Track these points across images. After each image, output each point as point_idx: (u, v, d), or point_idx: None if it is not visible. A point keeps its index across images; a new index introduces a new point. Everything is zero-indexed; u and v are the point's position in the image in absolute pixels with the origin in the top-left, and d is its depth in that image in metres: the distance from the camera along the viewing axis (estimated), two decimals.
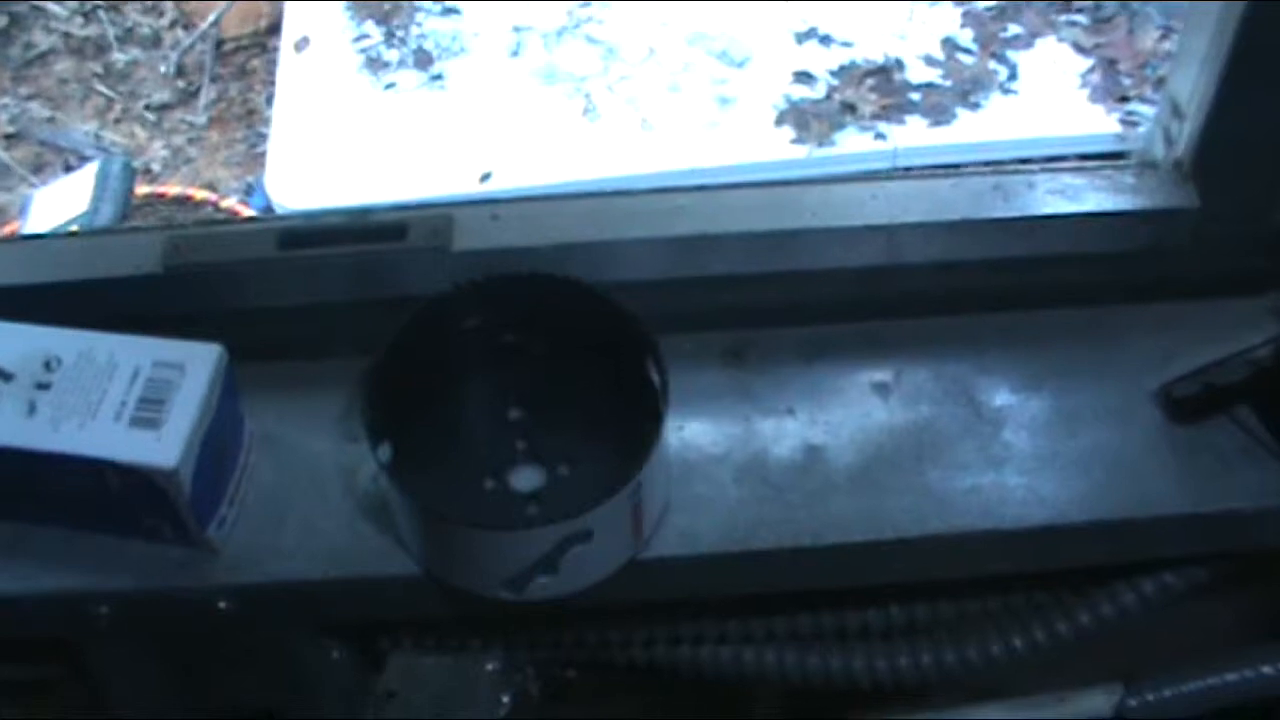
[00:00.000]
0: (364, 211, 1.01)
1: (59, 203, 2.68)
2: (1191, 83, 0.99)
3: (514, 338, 1.00)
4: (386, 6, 2.67)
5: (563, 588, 0.92)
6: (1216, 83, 0.96)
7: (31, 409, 0.92)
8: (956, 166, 2.52)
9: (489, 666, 1.08)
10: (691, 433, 1.01)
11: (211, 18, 3.16)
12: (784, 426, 1.02)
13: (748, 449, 1.00)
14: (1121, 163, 1.06)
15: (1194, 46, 0.98)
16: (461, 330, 0.98)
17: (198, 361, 0.93)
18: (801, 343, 1.05)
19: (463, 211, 1.01)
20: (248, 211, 2.81)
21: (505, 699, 1.08)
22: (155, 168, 2.98)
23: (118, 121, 3.09)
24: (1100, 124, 2.46)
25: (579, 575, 0.92)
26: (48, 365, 0.93)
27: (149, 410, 0.91)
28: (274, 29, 3.06)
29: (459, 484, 0.97)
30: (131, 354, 0.93)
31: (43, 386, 0.93)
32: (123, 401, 0.91)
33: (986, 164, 2.57)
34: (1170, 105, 1.03)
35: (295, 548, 0.97)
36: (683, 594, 1.00)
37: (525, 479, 0.98)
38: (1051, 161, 2.49)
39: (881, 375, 1.04)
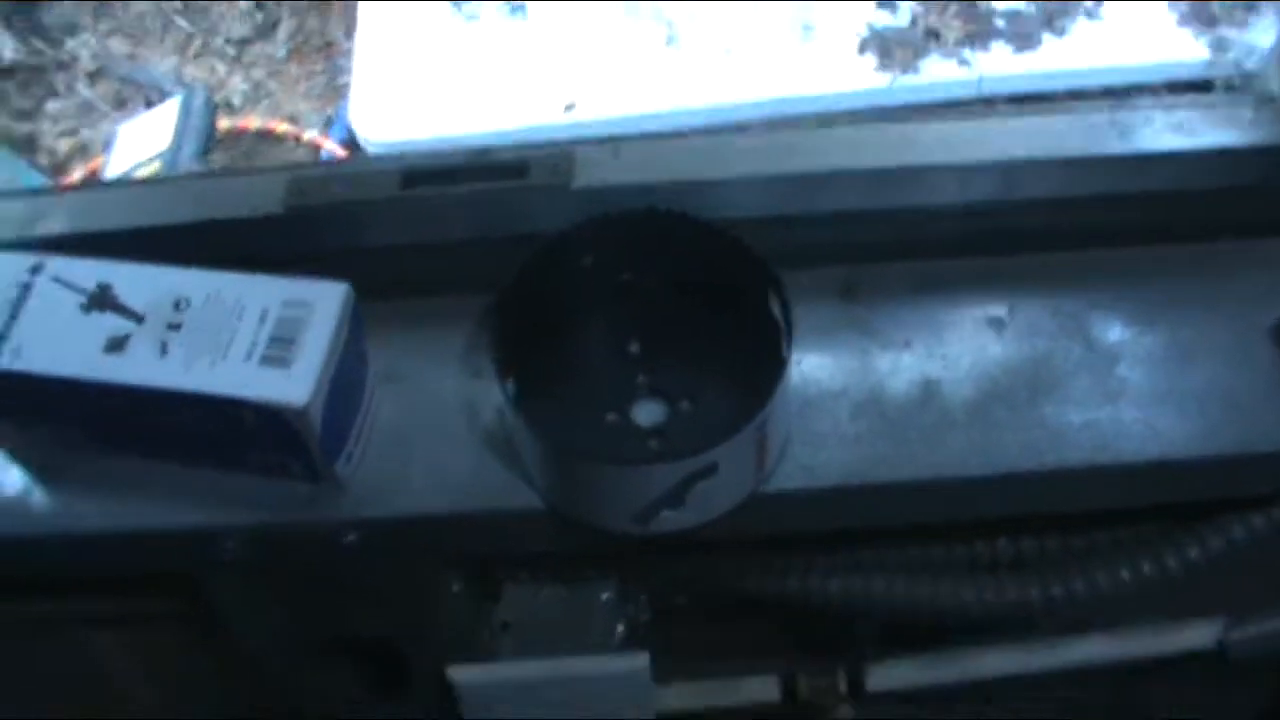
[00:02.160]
0: (485, 150, 1.02)
1: (142, 139, 2.70)
2: None
3: (633, 274, 1.01)
4: None
5: (687, 521, 0.93)
6: None
7: (163, 349, 0.93)
8: (1043, 95, 2.52)
9: (603, 597, 1.10)
10: (809, 367, 1.02)
11: None
12: (900, 360, 1.02)
13: (865, 383, 1.01)
14: (1239, 96, 1.05)
15: None
16: (582, 267, 0.99)
17: (325, 300, 0.94)
18: (915, 277, 1.06)
19: (583, 149, 1.02)
20: (329, 143, 2.83)
21: (619, 628, 1.10)
22: (235, 102, 2.99)
23: (197, 56, 3.10)
24: (1189, 50, 2.41)
25: (704, 509, 0.93)
26: (177, 306, 0.95)
27: (279, 349, 0.92)
28: None
29: (582, 418, 0.98)
30: (259, 294, 0.95)
31: (173, 327, 0.94)
32: (253, 341, 0.93)
33: (1071, 92, 2.57)
34: None
35: (420, 483, 0.99)
36: (803, 527, 1.01)
37: (647, 413, 0.99)
38: (1136, 89, 2.50)
39: (996, 310, 1.04)
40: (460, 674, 1.11)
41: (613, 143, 1.02)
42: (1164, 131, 1.03)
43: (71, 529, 1.01)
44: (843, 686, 1.23)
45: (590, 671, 1.11)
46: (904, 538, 1.08)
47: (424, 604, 1.09)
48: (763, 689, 1.25)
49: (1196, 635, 1.21)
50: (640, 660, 1.10)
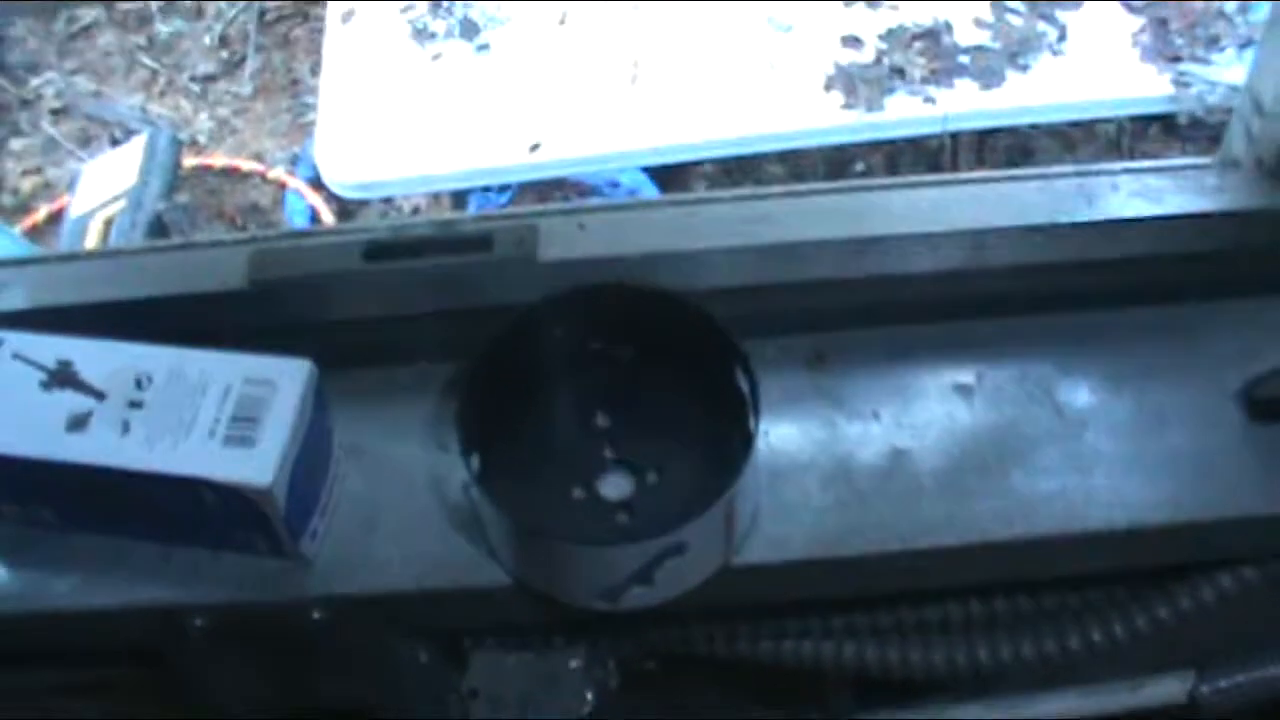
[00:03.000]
0: (449, 223, 1.02)
1: (107, 177, 2.70)
2: (1275, 81, 0.99)
3: (600, 346, 1.00)
4: None
5: (656, 597, 0.93)
6: None
7: (125, 428, 0.93)
8: (1007, 130, 2.54)
9: (572, 664, 1.09)
10: (778, 438, 1.01)
11: None
12: (869, 430, 1.02)
13: (834, 453, 1.01)
14: (1203, 161, 1.05)
15: (1277, 44, 0.98)
16: (549, 340, 0.99)
17: (288, 377, 0.94)
18: (883, 345, 1.06)
19: (548, 221, 1.01)
20: (294, 181, 2.82)
21: (589, 695, 1.09)
22: (201, 139, 3.00)
23: (163, 94, 3.10)
24: (1151, 85, 2.43)
25: (673, 584, 0.93)
26: (139, 383, 0.94)
27: (242, 428, 0.92)
28: None
29: (548, 493, 0.98)
30: (222, 371, 0.94)
31: (135, 405, 0.94)
32: (216, 419, 0.92)
33: (1036, 126, 2.59)
34: (1253, 103, 1.02)
35: (387, 558, 0.98)
36: (773, 599, 1.01)
37: (614, 487, 0.98)
38: (1099, 124, 2.51)
39: (964, 377, 1.04)
40: None
41: (577, 214, 1.02)
42: (1130, 197, 1.03)
43: (38, 607, 1.00)
44: None
45: None
46: (874, 601, 1.07)
47: (392, 673, 1.08)
48: None
49: (1168, 689, 1.21)
50: None
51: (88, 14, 3.21)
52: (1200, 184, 1.03)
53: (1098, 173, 1.04)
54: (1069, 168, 1.06)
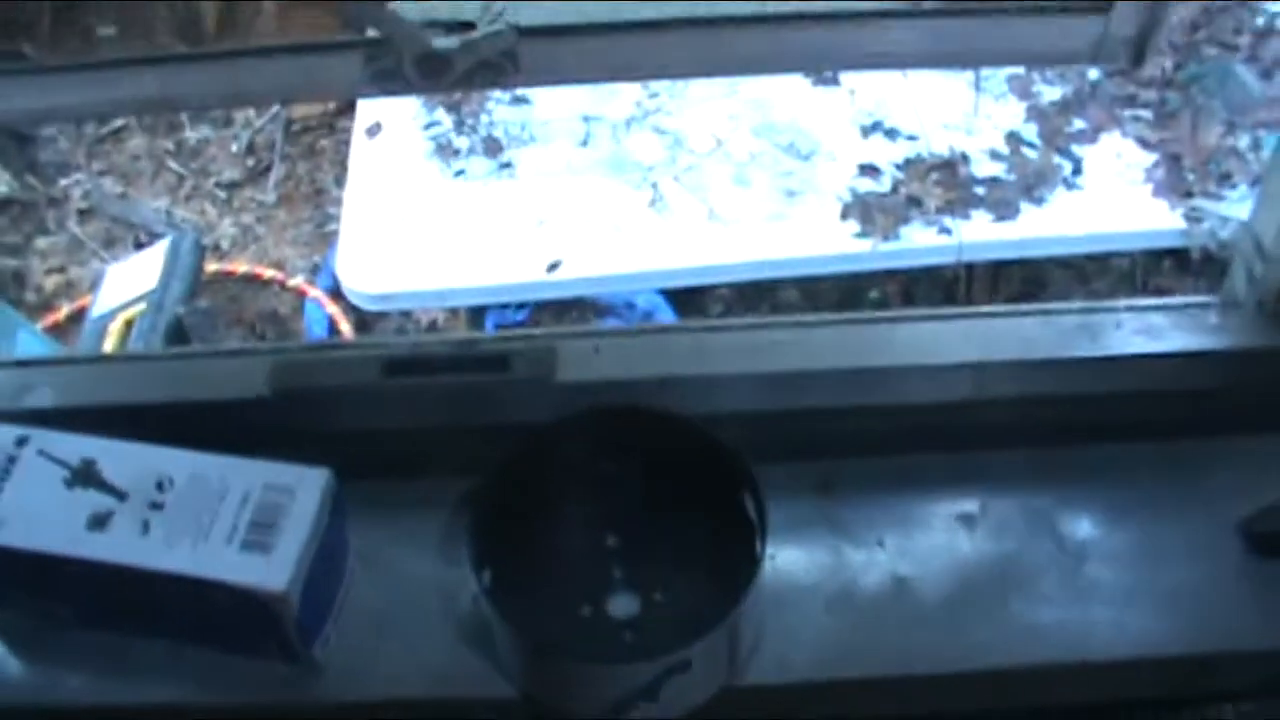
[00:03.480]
0: (469, 342, 1.04)
1: (130, 278, 2.72)
2: (1277, 224, 1.01)
3: (612, 467, 1.02)
4: (458, 95, 2.71)
5: (662, 714, 0.94)
6: None
7: (145, 528, 0.95)
8: (1021, 261, 2.56)
9: None
10: (784, 561, 1.03)
11: None
12: (873, 557, 1.04)
13: (838, 579, 1.03)
14: (1204, 300, 1.08)
15: (1278, 188, 1.01)
16: (562, 460, 1.01)
17: (307, 486, 0.96)
18: (889, 474, 1.08)
19: (565, 343, 1.04)
20: (314, 291, 2.85)
21: None
22: (224, 245, 3.03)
23: (188, 198, 3.14)
24: (1164, 220, 2.46)
25: (677, 703, 0.94)
26: (160, 486, 0.96)
27: (260, 533, 0.93)
28: (343, 111, 3.12)
29: (556, 610, 0.99)
30: (242, 477, 0.96)
31: (156, 506, 0.95)
32: (234, 524, 0.94)
33: (1050, 259, 2.61)
34: (1254, 244, 1.05)
35: (396, 667, 1.00)
36: (776, 718, 1.02)
37: (622, 606, 1.00)
38: (1113, 257, 2.54)
39: (968, 507, 1.06)
40: None
41: (593, 337, 1.04)
42: (1133, 334, 1.05)
43: (49, 701, 1.01)
44: None
45: None
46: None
47: None
48: None
49: None
50: None
51: (118, 118, 3.26)
52: (1202, 322, 1.06)
53: (1101, 309, 1.07)
54: (1073, 304, 1.09)
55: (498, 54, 0.93)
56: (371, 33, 0.92)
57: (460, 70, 0.92)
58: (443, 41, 0.91)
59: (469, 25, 0.94)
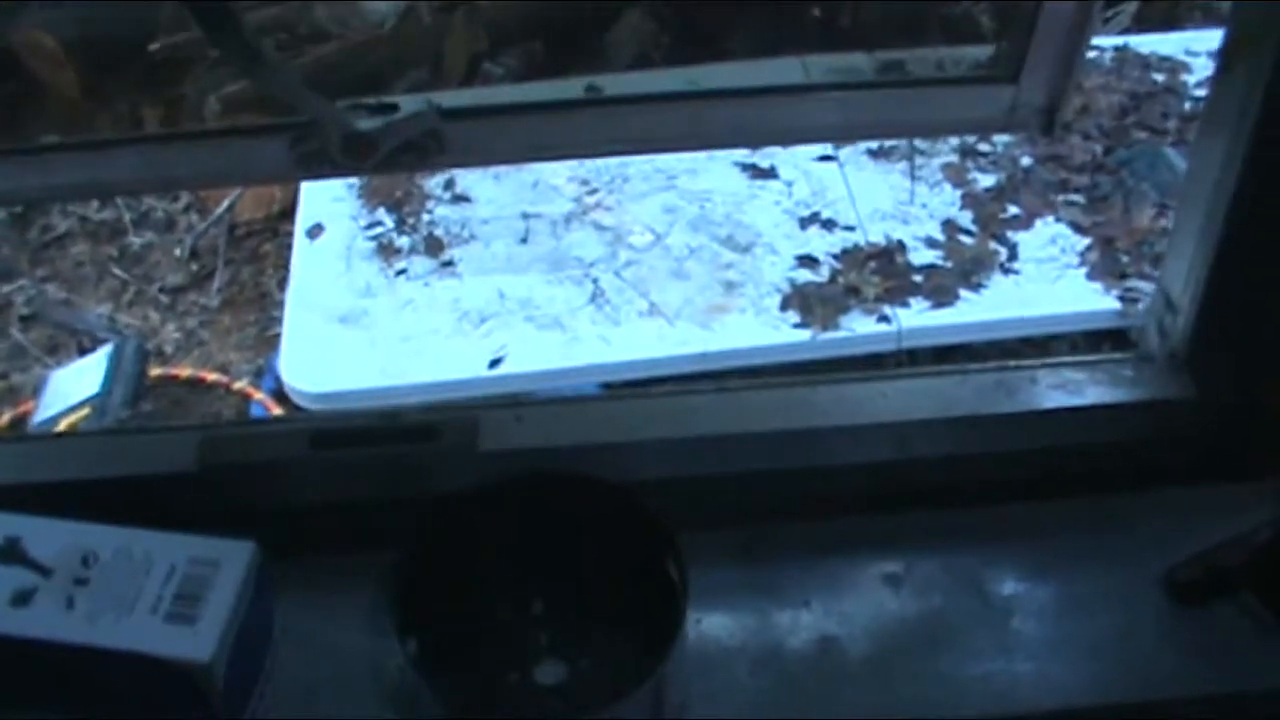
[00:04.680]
0: (393, 414, 1.05)
1: (73, 384, 2.72)
2: (1183, 278, 1.04)
3: (537, 534, 1.02)
4: (399, 194, 2.74)
5: None
6: (1207, 277, 1.01)
7: (70, 603, 0.94)
8: (961, 347, 2.59)
9: None
10: (709, 625, 1.03)
11: (226, 203, 3.23)
12: (799, 618, 1.04)
13: (764, 640, 1.03)
14: (1119, 356, 1.10)
15: (1183, 244, 1.04)
16: (485, 527, 1.01)
17: (232, 559, 0.95)
18: (815, 536, 1.09)
19: (488, 413, 1.05)
20: (258, 395, 2.85)
21: None
22: (168, 349, 3.03)
23: (131, 304, 3.14)
24: (1099, 301, 2.51)
25: None
26: (85, 561, 0.96)
27: (184, 605, 0.93)
28: (285, 214, 3.13)
29: (484, 678, 0.99)
30: (167, 550, 0.96)
31: (81, 582, 0.95)
32: (159, 596, 0.94)
33: (989, 344, 2.64)
34: (1164, 299, 1.07)
35: None
36: None
37: (548, 673, 1.00)
38: (1052, 340, 2.56)
39: (893, 567, 1.07)
40: None
41: (516, 407, 1.05)
42: (1049, 390, 1.07)
43: None
44: None
45: None
46: None
47: None
48: None
49: None
50: None
51: (62, 224, 3.27)
52: (1117, 376, 1.08)
53: (1018, 368, 1.09)
54: (990, 364, 1.10)
55: (422, 134, 0.95)
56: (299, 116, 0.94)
57: (385, 150, 0.94)
58: (367, 123, 0.93)
59: (393, 107, 0.96)
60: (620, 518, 0.99)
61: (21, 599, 0.94)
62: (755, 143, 2.23)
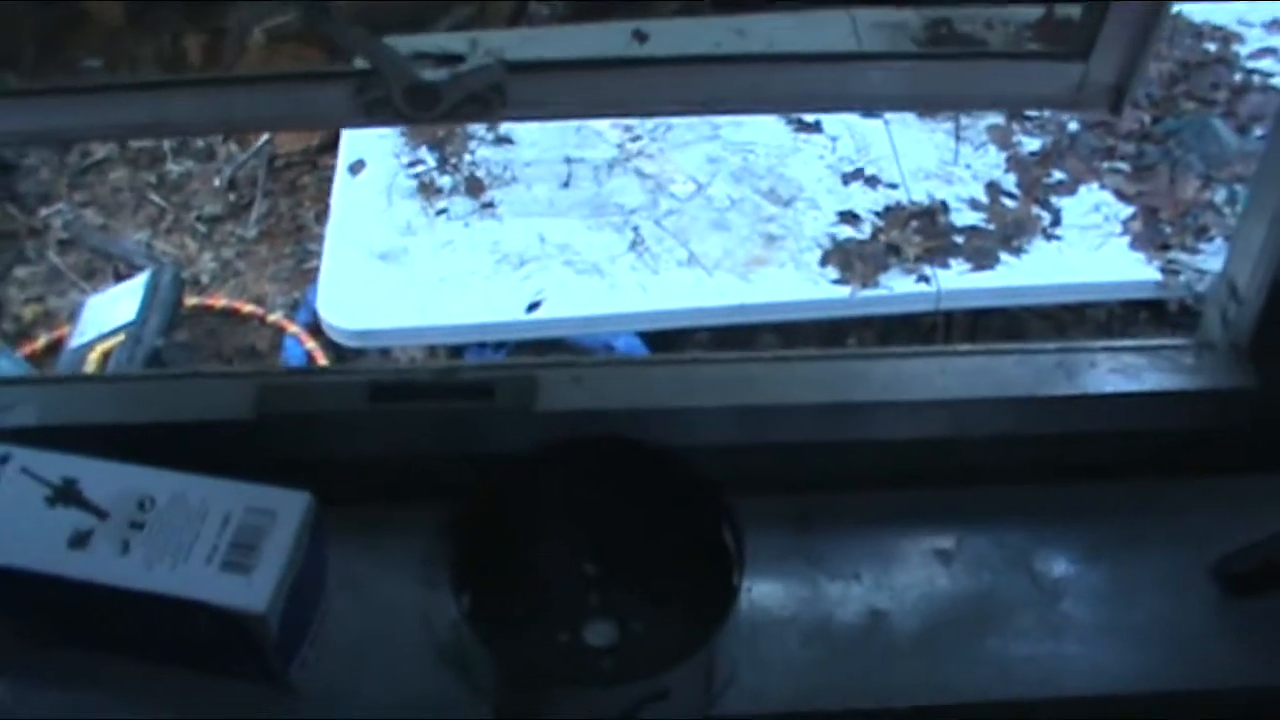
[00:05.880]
0: (452, 369, 1.05)
1: (109, 310, 2.72)
2: (1250, 269, 1.03)
3: (591, 496, 1.03)
4: (441, 133, 2.72)
5: None
6: (1274, 270, 1.00)
7: (125, 547, 0.95)
8: (999, 310, 2.58)
9: None
10: (760, 594, 1.03)
11: (266, 134, 3.21)
12: (849, 591, 1.04)
13: (814, 611, 1.03)
14: (1180, 342, 1.09)
15: (1252, 233, 1.03)
16: (542, 488, 1.02)
17: (288, 509, 0.96)
18: (866, 509, 1.09)
19: (546, 373, 1.05)
20: (293, 327, 2.85)
21: None
22: (204, 279, 3.02)
23: (169, 232, 3.14)
24: (1141, 272, 2.49)
25: None
26: (142, 505, 0.96)
27: (240, 555, 0.94)
28: (325, 148, 3.12)
29: (535, 636, 1.00)
30: (224, 498, 0.97)
31: (136, 526, 0.96)
32: (215, 545, 0.94)
33: (1028, 308, 2.63)
34: (1228, 288, 1.07)
35: (373, 691, 1.00)
36: None
37: (599, 634, 1.01)
38: (1090, 307, 2.55)
39: (944, 543, 1.07)
40: None
41: (575, 368, 1.05)
42: (1108, 374, 1.07)
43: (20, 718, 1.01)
44: None
45: None
46: None
47: None
48: None
49: None
50: None
51: (100, 150, 3.26)
52: (1177, 363, 1.07)
53: (1077, 349, 1.08)
54: (1050, 344, 1.10)
55: (485, 88, 0.94)
56: (361, 64, 0.94)
57: (449, 103, 0.93)
58: (432, 74, 0.92)
59: (458, 59, 0.95)
60: (676, 483, 0.99)
61: (78, 541, 0.95)
62: (819, 109, 2.21)
